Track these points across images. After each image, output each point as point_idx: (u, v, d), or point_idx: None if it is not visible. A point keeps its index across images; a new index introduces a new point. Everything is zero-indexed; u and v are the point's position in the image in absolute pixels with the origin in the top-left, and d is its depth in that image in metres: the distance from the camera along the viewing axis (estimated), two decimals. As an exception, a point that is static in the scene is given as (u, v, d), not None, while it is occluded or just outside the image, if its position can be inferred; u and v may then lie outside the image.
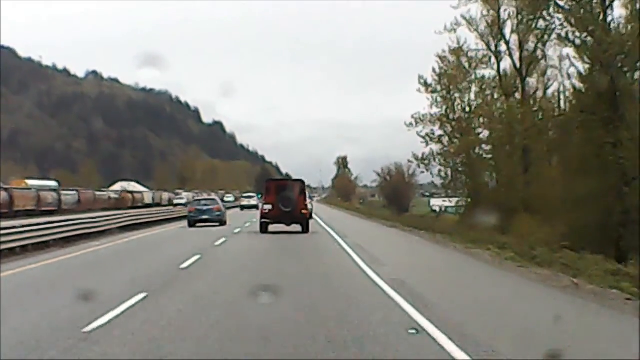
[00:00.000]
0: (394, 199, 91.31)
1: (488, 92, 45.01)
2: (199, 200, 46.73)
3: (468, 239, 26.88)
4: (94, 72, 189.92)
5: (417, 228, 37.43)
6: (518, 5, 40.74)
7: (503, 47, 43.68)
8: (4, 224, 23.73)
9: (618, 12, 32.85)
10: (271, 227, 32.30)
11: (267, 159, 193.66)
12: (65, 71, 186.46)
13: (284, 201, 31.89)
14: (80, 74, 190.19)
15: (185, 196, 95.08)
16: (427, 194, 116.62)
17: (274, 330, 9.34)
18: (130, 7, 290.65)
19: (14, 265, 18.70)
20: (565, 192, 34.97)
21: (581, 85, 35.51)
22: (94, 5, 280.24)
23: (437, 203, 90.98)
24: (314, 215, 45.85)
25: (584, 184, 31.65)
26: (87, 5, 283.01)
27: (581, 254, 19.14)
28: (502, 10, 42.76)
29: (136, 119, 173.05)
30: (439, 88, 45.43)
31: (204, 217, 40.21)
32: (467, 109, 45.76)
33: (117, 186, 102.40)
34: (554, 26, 35.53)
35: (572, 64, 36.49)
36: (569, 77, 38.46)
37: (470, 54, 44.22)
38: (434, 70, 45.38)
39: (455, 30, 43.23)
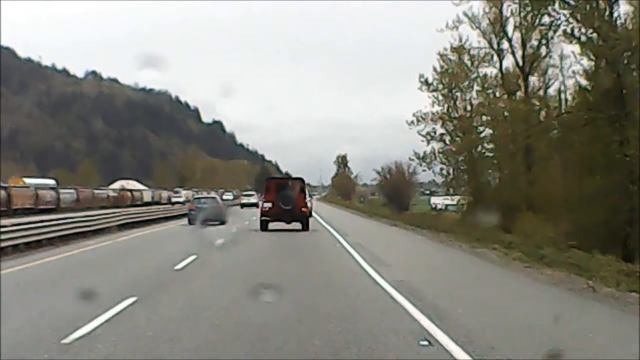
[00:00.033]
0: (394, 197, 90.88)
1: (490, 90, 44.67)
2: (199, 198, 46.75)
3: (473, 237, 26.43)
4: (94, 72, 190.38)
5: (420, 227, 37.11)
6: (522, 1, 40.24)
7: (505, 45, 43.21)
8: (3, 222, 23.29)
9: (624, 8, 32.47)
10: (271, 225, 32.53)
11: (267, 157, 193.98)
12: (65, 71, 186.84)
13: (284, 199, 32.17)
14: (80, 74, 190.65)
15: (183, 194, 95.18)
16: (427, 192, 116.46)
17: (274, 329, 8.99)
18: (130, 7, 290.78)
19: (6, 265, 18.15)
20: (569, 190, 34.56)
21: (586, 82, 35.11)
22: (94, 5, 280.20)
23: (438, 201, 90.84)
24: (314, 214, 45.68)
25: (590, 182, 31.29)
26: (86, 5, 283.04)
27: (591, 254, 18.63)
28: (504, 7, 42.39)
29: (135, 118, 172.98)
30: (440, 86, 45.12)
31: (204, 215, 39.93)
32: (469, 107, 45.47)
33: (117, 185, 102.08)
34: (559, 22, 35.04)
35: (577, 61, 36.01)
36: (574, 74, 37.99)
37: (472, 52, 43.85)
38: (434, 68, 45.10)
39: (457, 28, 42.82)
